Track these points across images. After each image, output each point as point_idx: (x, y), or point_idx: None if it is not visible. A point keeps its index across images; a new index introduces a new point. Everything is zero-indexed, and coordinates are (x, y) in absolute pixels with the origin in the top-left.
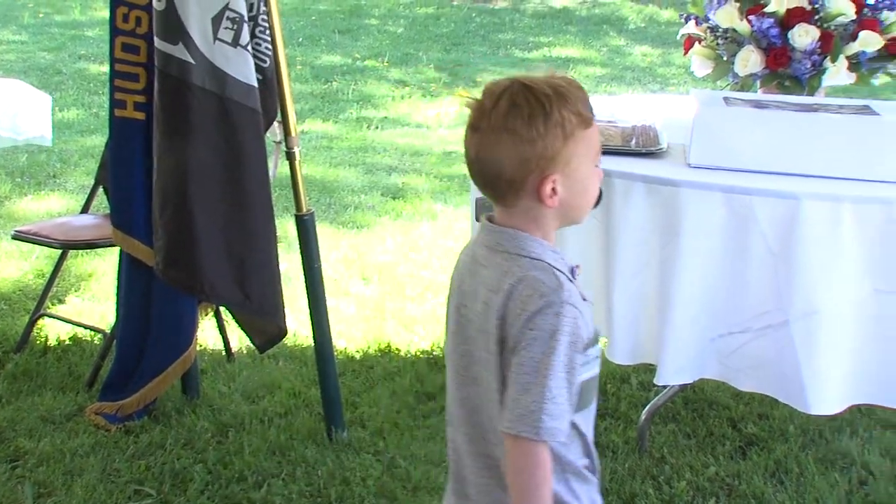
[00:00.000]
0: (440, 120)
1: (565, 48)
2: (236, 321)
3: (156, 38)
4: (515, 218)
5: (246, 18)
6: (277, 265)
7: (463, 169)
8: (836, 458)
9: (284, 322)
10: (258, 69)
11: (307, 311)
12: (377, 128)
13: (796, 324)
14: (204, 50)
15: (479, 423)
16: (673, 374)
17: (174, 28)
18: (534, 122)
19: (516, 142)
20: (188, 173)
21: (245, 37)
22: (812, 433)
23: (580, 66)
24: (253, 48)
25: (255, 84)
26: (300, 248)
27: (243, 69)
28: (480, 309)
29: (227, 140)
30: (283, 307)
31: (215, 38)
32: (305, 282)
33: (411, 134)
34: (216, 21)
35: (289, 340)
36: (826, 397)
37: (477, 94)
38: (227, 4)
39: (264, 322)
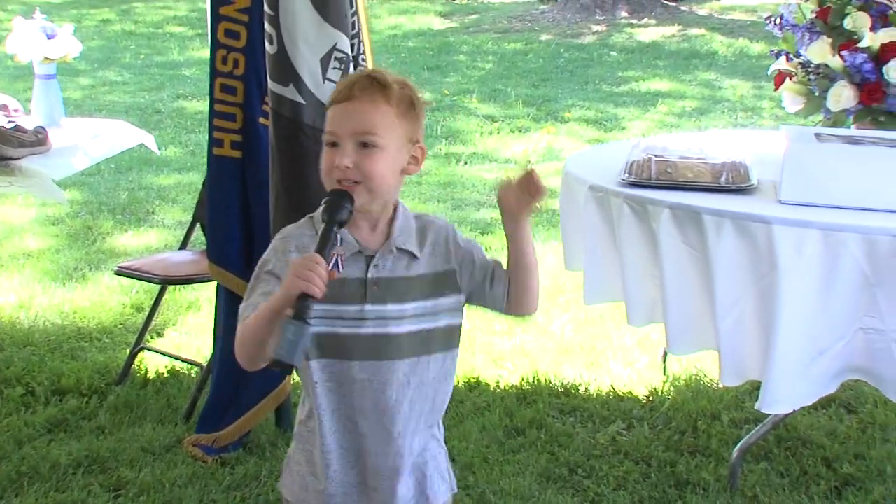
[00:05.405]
0: (528, 155)
1: (654, 82)
2: None
3: (269, 81)
4: None
5: (351, 58)
6: None
7: (551, 204)
8: None
9: None
10: None
11: None
12: (466, 163)
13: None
14: (314, 90)
15: None
16: (777, 402)
17: (285, 71)
18: None
19: None
20: (305, 211)
21: None
22: None
23: (670, 100)
24: None
25: None
26: None
27: None
28: None
29: None
30: None
31: (324, 77)
32: None
33: (500, 169)
34: (325, 61)
35: None
36: None
37: (565, 129)
38: (335, 45)
39: None
